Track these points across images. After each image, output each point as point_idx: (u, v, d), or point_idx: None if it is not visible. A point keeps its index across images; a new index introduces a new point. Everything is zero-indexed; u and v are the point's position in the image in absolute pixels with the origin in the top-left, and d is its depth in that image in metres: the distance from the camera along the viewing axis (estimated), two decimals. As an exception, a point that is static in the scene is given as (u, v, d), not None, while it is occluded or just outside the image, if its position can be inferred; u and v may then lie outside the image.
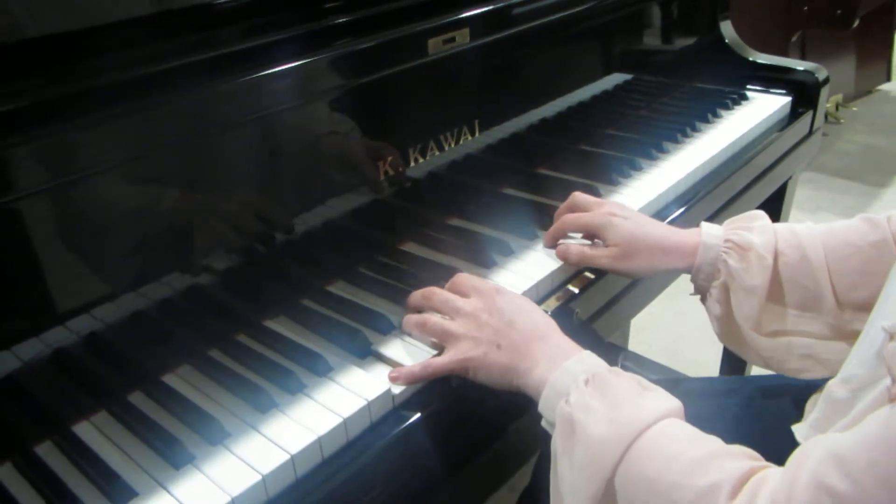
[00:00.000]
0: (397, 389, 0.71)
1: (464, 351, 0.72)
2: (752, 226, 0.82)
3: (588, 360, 0.67)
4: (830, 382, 0.56)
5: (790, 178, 1.41)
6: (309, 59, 0.76)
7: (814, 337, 0.79)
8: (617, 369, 0.66)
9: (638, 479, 0.57)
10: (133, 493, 0.62)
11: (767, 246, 0.80)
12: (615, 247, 0.85)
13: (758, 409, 0.89)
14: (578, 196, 0.92)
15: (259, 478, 0.62)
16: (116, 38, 0.66)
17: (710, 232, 0.83)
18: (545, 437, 0.67)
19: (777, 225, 0.83)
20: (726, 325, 0.83)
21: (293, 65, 0.75)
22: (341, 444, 0.67)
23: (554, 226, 0.91)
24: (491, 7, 0.92)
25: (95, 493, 0.62)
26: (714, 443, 0.57)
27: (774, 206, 1.45)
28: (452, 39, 0.88)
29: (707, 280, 0.84)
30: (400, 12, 0.84)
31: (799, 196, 2.81)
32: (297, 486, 0.64)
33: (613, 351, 1.83)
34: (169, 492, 0.62)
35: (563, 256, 0.88)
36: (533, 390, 0.68)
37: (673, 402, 0.61)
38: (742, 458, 0.55)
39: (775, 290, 0.80)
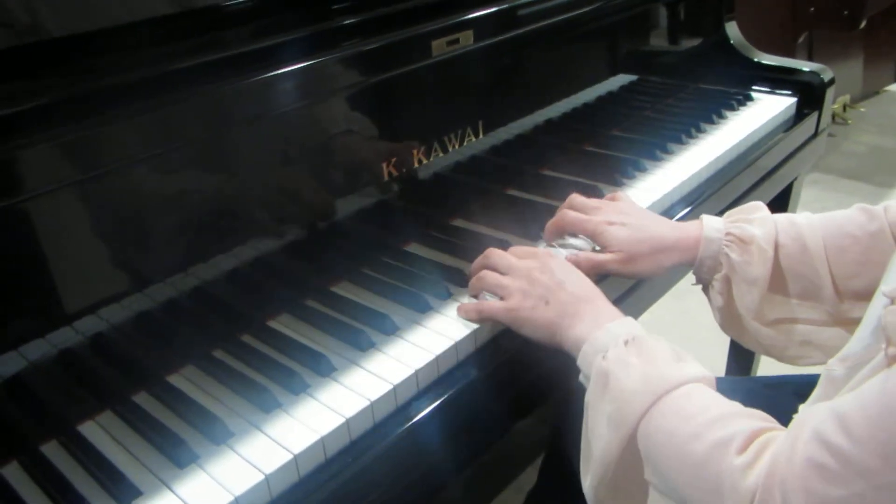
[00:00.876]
0: (400, 389, 0.71)
1: (515, 303, 0.76)
2: (753, 218, 0.83)
3: (630, 325, 0.70)
4: (830, 361, 0.58)
5: (796, 178, 1.40)
6: (313, 61, 0.76)
7: (813, 324, 0.82)
8: (656, 335, 0.69)
9: (657, 432, 0.61)
10: (137, 493, 0.62)
11: (768, 238, 0.81)
12: (619, 252, 0.85)
13: (764, 408, 0.89)
14: (576, 199, 0.91)
15: (262, 477, 0.62)
16: (124, 39, 0.67)
17: (711, 225, 0.84)
18: (554, 433, 0.69)
19: (777, 216, 0.84)
20: (728, 315, 0.85)
21: (297, 67, 0.75)
22: (344, 444, 0.68)
23: (554, 221, 0.90)
24: (495, 9, 0.93)
25: (100, 492, 0.63)
26: (734, 406, 0.61)
27: (780, 207, 1.45)
28: (456, 41, 0.88)
29: (709, 273, 0.85)
30: (403, 14, 0.84)
31: (806, 197, 2.80)
32: (301, 486, 0.64)
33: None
34: (173, 491, 0.62)
35: (574, 264, 0.84)
36: (573, 345, 0.71)
37: (704, 372, 0.65)
38: (757, 419, 0.58)
39: (776, 281, 0.81)
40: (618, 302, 0.95)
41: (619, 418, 0.63)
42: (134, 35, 0.68)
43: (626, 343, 0.67)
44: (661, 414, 0.61)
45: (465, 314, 0.79)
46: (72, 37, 0.64)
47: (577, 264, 0.85)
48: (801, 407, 0.65)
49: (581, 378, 0.71)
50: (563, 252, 0.87)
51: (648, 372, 0.64)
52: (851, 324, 0.79)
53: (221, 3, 0.74)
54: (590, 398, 0.67)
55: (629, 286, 0.96)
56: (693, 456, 0.57)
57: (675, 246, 0.85)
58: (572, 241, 0.89)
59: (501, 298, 0.78)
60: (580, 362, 0.70)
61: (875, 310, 0.55)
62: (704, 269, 0.85)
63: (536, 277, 0.77)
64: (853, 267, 0.79)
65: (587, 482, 0.68)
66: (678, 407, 0.61)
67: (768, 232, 0.81)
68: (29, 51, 0.62)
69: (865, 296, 0.77)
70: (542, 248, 0.82)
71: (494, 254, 0.82)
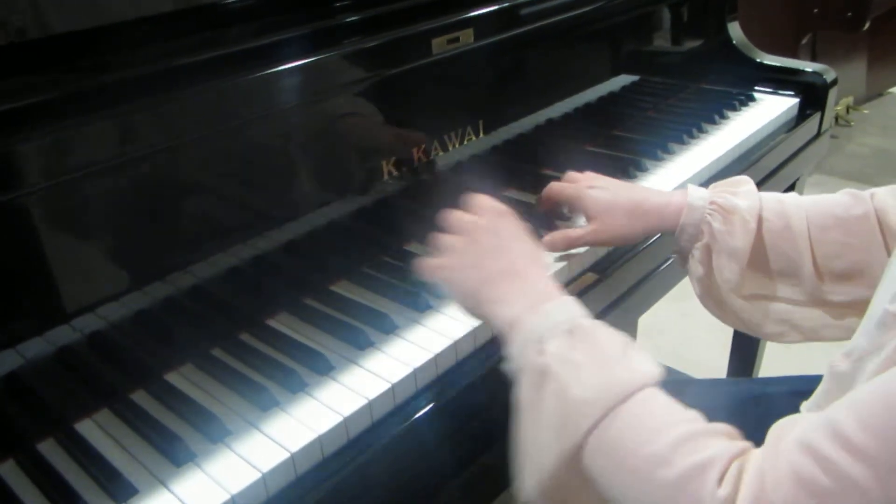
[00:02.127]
0: (399, 388, 0.71)
1: (445, 259, 0.70)
2: (738, 190, 0.83)
3: (571, 308, 0.62)
4: (833, 358, 0.56)
5: (798, 179, 1.40)
6: (312, 59, 0.76)
7: (791, 303, 0.81)
8: (600, 322, 0.61)
9: (612, 449, 0.54)
10: (134, 491, 0.62)
11: (752, 211, 0.80)
12: (594, 219, 0.85)
13: (765, 410, 0.89)
14: (568, 174, 0.92)
15: (259, 475, 0.62)
16: (125, 36, 0.67)
17: (695, 194, 0.83)
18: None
19: (763, 192, 0.83)
20: (707, 286, 0.84)
21: (295, 64, 0.75)
22: (342, 443, 0.67)
23: (541, 192, 0.92)
24: (495, 7, 0.92)
25: (97, 491, 0.63)
26: (694, 419, 0.54)
27: (782, 209, 1.44)
28: (457, 39, 0.88)
29: (690, 241, 0.84)
30: (403, 12, 0.84)
31: (809, 199, 2.80)
32: (298, 484, 0.64)
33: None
34: (169, 489, 0.62)
35: (550, 247, 0.87)
36: (502, 325, 0.64)
37: (656, 368, 0.57)
38: (727, 437, 0.53)
39: (757, 255, 0.81)
40: (617, 303, 0.94)
41: (565, 431, 0.55)
42: (135, 32, 0.68)
43: (569, 333, 0.58)
44: (614, 427, 0.54)
45: (416, 270, 0.73)
46: (75, 33, 0.64)
47: (553, 243, 0.86)
48: (804, 404, 0.64)
49: (509, 368, 0.62)
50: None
51: (599, 375, 0.56)
52: (830, 306, 0.79)
53: (220, 1, 0.74)
54: (524, 399, 0.59)
55: (628, 287, 0.96)
56: (661, 485, 0.51)
57: (655, 211, 0.85)
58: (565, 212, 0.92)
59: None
60: (511, 350, 0.62)
61: (880, 302, 0.54)
62: (685, 236, 0.84)
63: (478, 237, 0.70)
64: (835, 247, 0.79)
65: (526, 488, 0.60)
66: (635, 420, 0.54)
67: (753, 205, 0.81)
68: (27, 47, 0.62)
69: (845, 278, 0.78)
70: (501, 206, 0.74)
71: (452, 214, 0.74)
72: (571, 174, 0.92)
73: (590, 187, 0.87)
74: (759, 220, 0.81)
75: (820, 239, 0.79)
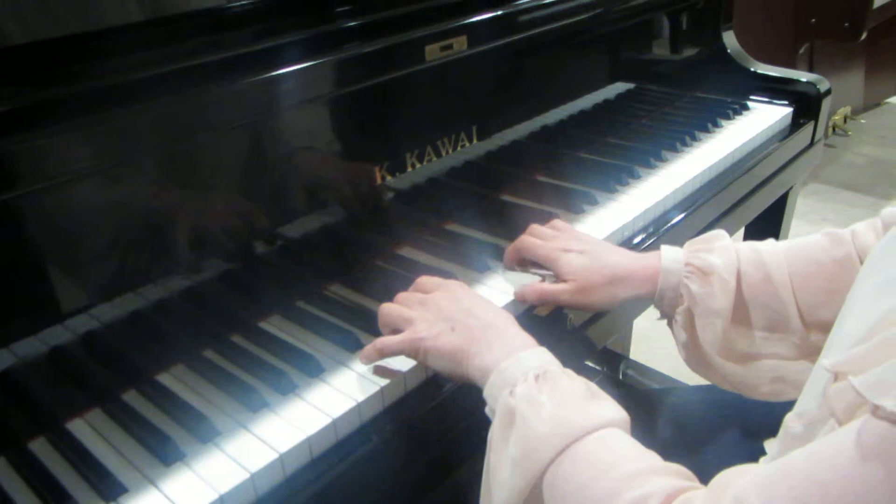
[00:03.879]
0: (388, 391, 0.72)
1: (417, 331, 0.71)
2: (713, 247, 0.80)
3: (542, 356, 0.65)
4: (787, 416, 0.55)
5: (791, 189, 1.41)
6: (306, 65, 0.77)
7: (781, 358, 0.77)
8: (570, 371, 0.64)
9: (566, 483, 0.56)
10: (123, 490, 0.63)
11: (730, 268, 0.77)
12: (572, 282, 0.81)
13: (759, 416, 0.88)
14: (535, 228, 0.89)
15: (248, 476, 0.62)
16: (122, 40, 0.68)
17: (669, 256, 0.80)
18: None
19: (739, 244, 0.81)
20: (693, 351, 0.81)
21: (288, 70, 0.75)
22: (330, 443, 0.68)
23: (511, 247, 0.88)
24: (489, 15, 0.93)
25: (87, 489, 0.63)
26: (651, 458, 0.56)
27: (775, 218, 1.45)
28: (450, 46, 0.89)
29: (671, 306, 0.81)
30: (397, 19, 0.85)
31: (805, 207, 2.81)
32: (286, 485, 0.65)
33: (614, 359, 1.84)
34: (159, 488, 0.63)
35: (521, 298, 0.84)
36: (479, 375, 0.66)
37: (619, 413, 0.60)
38: (675, 476, 0.54)
39: (740, 312, 0.78)
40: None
41: (524, 464, 0.58)
42: (132, 36, 0.69)
43: (536, 378, 0.61)
44: (571, 462, 0.56)
45: (364, 359, 0.73)
46: (74, 36, 0.65)
47: (524, 296, 0.83)
48: (762, 459, 0.62)
49: (487, 411, 0.65)
50: (524, 277, 0.85)
51: (559, 414, 0.58)
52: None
53: (217, 5, 0.74)
54: (493, 437, 0.62)
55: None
56: None
57: (631, 276, 0.81)
58: (533, 270, 0.87)
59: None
60: (486, 394, 0.65)
61: (821, 371, 0.52)
62: (666, 302, 0.81)
63: (444, 306, 0.72)
64: (820, 295, 0.75)
65: None
66: (591, 456, 0.56)
67: (729, 261, 0.78)
68: (23, 51, 0.63)
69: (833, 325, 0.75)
70: (451, 281, 0.78)
71: (400, 294, 0.78)
72: (540, 230, 0.89)
73: (565, 250, 0.83)
74: (738, 276, 0.77)
75: (803, 288, 0.76)
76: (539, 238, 0.87)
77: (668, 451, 0.89)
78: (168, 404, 0.71)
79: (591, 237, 0.89)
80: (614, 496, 0.52)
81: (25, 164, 0.61)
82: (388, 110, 0.89)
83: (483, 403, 0.66)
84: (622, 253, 0.85)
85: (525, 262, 0.89)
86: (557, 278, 0.83)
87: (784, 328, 0.77)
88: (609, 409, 0.60)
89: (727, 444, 0.90)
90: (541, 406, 0.59)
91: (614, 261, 0.82)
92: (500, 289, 0.86)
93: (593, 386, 0.63)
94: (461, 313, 0.71)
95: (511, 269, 0.89)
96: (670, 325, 0.83)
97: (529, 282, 0.85)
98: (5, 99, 0.60)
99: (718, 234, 0.82)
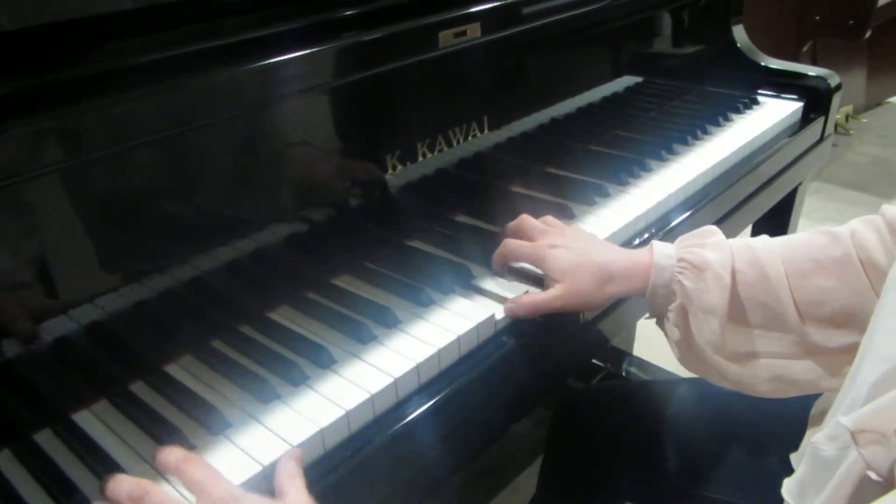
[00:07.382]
0: (401, 383, 0.70)
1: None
2: (706, 242, 0.78)
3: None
4: (815, 438, 0.53)
5: (800, 185, 1.40)
6: (317, 50, 0.75)
7: (781, 357, 0.75)
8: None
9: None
10: (132, 482, 0.61)
11: (724, 264, 0.75)
12: (561, 283, 0.79)
13: (760, 409, 0.89)
14: (525, 220, 0.87)
15: (260, 469, 0.61)
16: (120, 25, 0.66)
17: (661, 251, 0.79)
18: (551, 434, 0.63)
19: (732, 241, 0.79)
20: (687, 349, 0.79)
21: (300, 55, 0.74)
22: (344, 436, 0.67)
23: (498, 250, 0.85)
24: (502, 2, 0.92)
25: (94, 482, 0.62)
26: None
27: (783, 215, 1.44)
28: (464, 33, 0.87)
29: (663, 303, 0.79)
30: (411, 5, 0.83)
31: (807, 206, 2.79)
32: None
33: (619, 356, 1.83)
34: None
35: (511, 314, 0.80)
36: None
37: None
38: None
39: (736, 310, 0.76)
40: (616, 306, 0.93)
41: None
42: (132, 22, 0.67)
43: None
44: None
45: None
46: (73, 21, 0.63)
47: (514, 311, 0.80)
48: (786, 482, 0.60)
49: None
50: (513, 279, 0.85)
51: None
52: (824, 354, 0.74)
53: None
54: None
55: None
56: None
57: (622, 273, 0.79)
58: (522, 265, 0.85)
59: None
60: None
61: (857, 391, 0.51)
62: (658, 299, 0.79)
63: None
64: (817, 294, 0.73)
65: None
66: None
67: (724, 257, 0.76)
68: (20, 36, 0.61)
69: (835, 324, 0.72)
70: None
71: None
72: (530, 223, 0.86)
73: (551, 246, 0.81)
74: (733, 273, 0.75)
75: (800, 286, 0.74)
76: (529, 231, 0.85)
77: (669, 442, 0.88)
78: (177, 396, 0.70)
79: (581, 233, 0.86)
80: None
81: (24, 151, 0.59)
82: (400, 98, 0.88)
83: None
84: (612, 249, 0.83)
85: (512, 266, 0.86)
86: (546, 278, 0.81)
87: (782, 326, 0.75)
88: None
89: (729, 434, 0.90)
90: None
91: (604, 258, 0.80)
92: (510, 282, 0.85)
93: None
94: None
95: (500, 275, 0.86)
96: (660, 323, 0.82)
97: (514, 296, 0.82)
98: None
99: (711, 230, 0.80)
